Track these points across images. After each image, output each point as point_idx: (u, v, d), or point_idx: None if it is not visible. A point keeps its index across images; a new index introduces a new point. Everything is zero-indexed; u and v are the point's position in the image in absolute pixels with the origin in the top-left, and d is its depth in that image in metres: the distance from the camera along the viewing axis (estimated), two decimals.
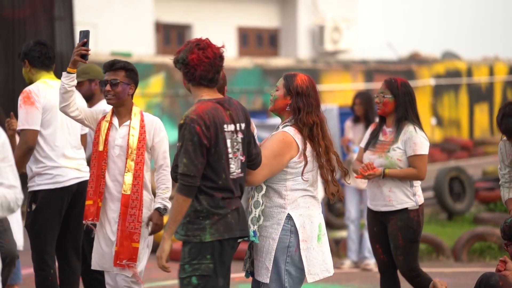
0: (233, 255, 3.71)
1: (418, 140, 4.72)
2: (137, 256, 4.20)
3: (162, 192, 4.29)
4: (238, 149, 3.62)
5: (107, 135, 4.29)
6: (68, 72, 4.28)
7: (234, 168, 3.61)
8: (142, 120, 4.29)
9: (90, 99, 5.43)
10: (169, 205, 4.22)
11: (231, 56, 18.72)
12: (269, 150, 3.86)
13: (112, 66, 4.29)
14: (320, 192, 7.79)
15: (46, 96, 4.80)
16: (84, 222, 4.35)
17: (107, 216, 4.30)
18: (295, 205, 3.89)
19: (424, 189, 11.48)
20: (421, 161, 4.69)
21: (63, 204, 4.88)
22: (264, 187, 3.91)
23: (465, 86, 20.34)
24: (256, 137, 3.98)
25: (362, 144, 4.95)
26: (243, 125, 3.65)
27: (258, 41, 20.54)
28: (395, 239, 4.68)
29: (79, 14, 14.16)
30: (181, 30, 19.27)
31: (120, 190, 4.26)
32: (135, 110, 4.33)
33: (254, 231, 3.85)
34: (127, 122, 4.30)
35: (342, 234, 9.03)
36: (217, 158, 3.55)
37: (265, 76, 16.97)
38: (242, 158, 3.64)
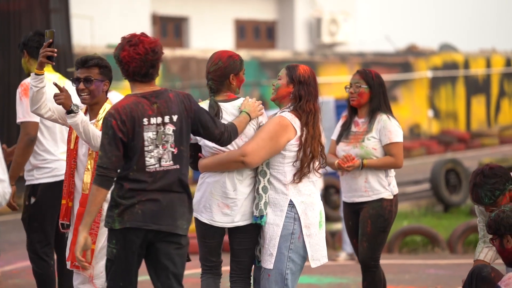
0: (165, 250, 3.63)
1: (393, 128, 4.70)
2: (93, 257, 4.08)
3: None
4: (167, 141, 3.63)
5: None
6: (36, 74, 4.20)
7: (154, 161, 3.61)
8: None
9: None
10: (80, 118, 4.05)
11: (228, 48, 18.66)
12: (265, 132, 3.96)
13: (85, 63, 4.17)
14: (319, 183, 7.80)
15: (45, 90, 4.77)
16: (60, 221, 4.30)
17: (73, 215, 4.25)
18: (297, 191, 3.98)
19: (420, 181, 11.63)
20: (397, 149, 4.69)
21: (61, 197, 4.87)
22: (268, 172, 4.00)
23: (462, 78, 20.33)
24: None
25: (334, 137, 4.90)
26: (175, 117, 3.64)
27: (255, 33, 20.51)
28: (364, 226, 4.68)
29: (74, 7, 14.11)
30: (178, 22, 19.23)
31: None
32: (106, 107, 4.22)
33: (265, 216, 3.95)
34: (94, 120, 4.23)
35: (337, 226, 9.05)
36: (134, 151, 3.61)
37: (262, 69, 16.96)
38: (173, 150, 3.64)
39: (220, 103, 4.03)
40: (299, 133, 3.98)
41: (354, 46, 20.21)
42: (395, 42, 20.42)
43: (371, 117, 4.73)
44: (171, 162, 3.64)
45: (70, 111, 4.06)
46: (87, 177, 4.17)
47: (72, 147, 4.25)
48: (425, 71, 19.53)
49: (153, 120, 3.62)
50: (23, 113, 4.73)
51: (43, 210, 4.81)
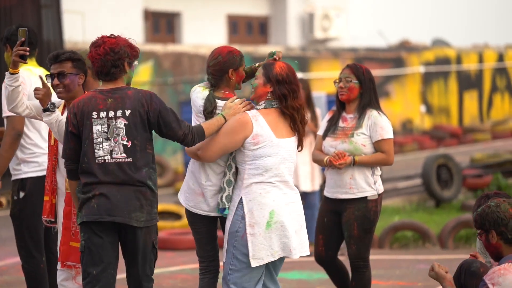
0: (127, 240, 3.83)
1: (384, 124, 4.62)
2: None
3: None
4: (118, 134, 3.80)
5: None
6: (11, 73, 4.19)
7: (103, 152, 3.78)
8: None
9: (83, 87, 5.38)
10: (56, 116, 4.11)
11: (221, 44, 18.63)
12: (224, 127, 3.99)
13: (57, 58, 4.16)
14: (317, 179, 7.75)
15: (32, 84, 4.73)
16: (43, 218, 4.29)
17: (58, 212, 4.26)
18: (249, 190, 3.97)
19: (411, 177, 11.63)
20: (389, 145, 4.62)
21: None
22: (234, 166, 4.03)
23: (454, 73, 20.35)
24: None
25: (320, 132, 4.77)
26: (128, 112, 3.80)
27: (247, 29, 20.47)
28: (350, 228, 4.59)
29: (66, 2, 14.05)
30: (170, 18, 19.18)
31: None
32: None
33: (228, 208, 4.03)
34: None
35: None
36: (84, 143, 3.83)
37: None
38: (127, 143, 3.80)
39: (216, 99, 4.06)
40: (256, 129, 3.94)
41: (347, 42, 20.21)
42: (387, 38, 20.43)
43: (360, 113, 4.65)
44: (123, 154, 3.80)
45: (46, 109, 4.09)
46: None
47: (52, 143, 4.23)
48: (418, 66, 19.54)
49: (102, 114, 3.80)
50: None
51: (33, 205, 4.76)
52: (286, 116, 4.02)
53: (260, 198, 3.95)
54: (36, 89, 4.10)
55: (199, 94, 4.09)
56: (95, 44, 3.85)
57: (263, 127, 3.97)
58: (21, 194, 4.79)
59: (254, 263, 3.93)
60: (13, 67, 4.16)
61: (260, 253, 3.93)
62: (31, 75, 4.82)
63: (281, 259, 4.10)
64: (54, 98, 4.42)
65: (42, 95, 4.09)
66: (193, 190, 4.09)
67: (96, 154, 3.78)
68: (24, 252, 4.82)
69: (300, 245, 4.05)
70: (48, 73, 4.97)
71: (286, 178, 4.02)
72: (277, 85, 4.01)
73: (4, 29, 12.27)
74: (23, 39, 4.10)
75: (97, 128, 3.79)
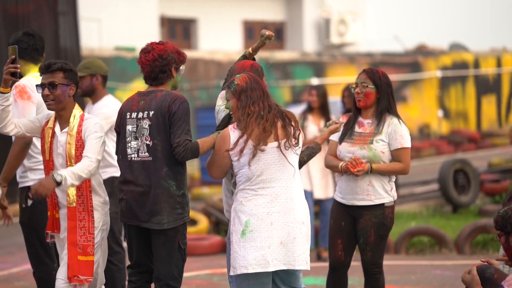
0: (153, 241, 4.03)
1: (404, 132, 4.54)
2: (94, 268, 4.13)
3: (72, 167, 4.00)
4: (143, 134, 3.99)
5: (51, 143, 4.13)
6: (1, 92, 4.08)
7: (131, 151, 4.00)
8: (80, 125, 4.10)
9: (92, 94, 5.40)
10: (69, 178, 3.92)
11: (236, 50, 18.67)
12: (214, 147, 4.05)
13: (49, 68, 4.09)
14: (331, 186, 7.72)
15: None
16: (46, 231, 4.30)
17: (61, 226, 4.24)
18: (235, 198, 4.01)
19: (428, 182, 11.55)
20: (407, 155, 4.54)
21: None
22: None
23: (472, 77, 20.23)
24: None
25: (335, 138, 4.64)
26: (151, 113, 3.99)
27: None
28: (367, 235, 4.52)
29: (83, 9, 14.16)
30: (186, 24, 19.25)
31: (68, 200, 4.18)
32: (75, 113, 4.15)
33: None
34: (66, 129, 4.14)
35: None
36: (120, 142, 4.08)
37: (271, 70, 16.93)
38: (149, 142, 3.99)
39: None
40: (232, 140, 3.92)
41: (363, 46, 20.17)
42: (404, 42, 20.36)
43: (379, 119, 4.56)
44: (147, 153, 3.98)
45: (58, 184, 3.95)
46: (72, 190, 4.11)
47: (47, 158, 4.18)
48: (435, 70, 19.45)
49: (133, 115, 4.01)
50: (19, 115, 4.68)
51: (41, 212, 4.72)
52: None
53: (240, 206, 3.93)
54: (33, 193, 3.95)
55: (223, 113, 4.19)
56: (145, 51, 4.02)
57: (241, 138, 3.93)
58: (29, 202, 4.76)
59: (230, 271, 3.91)
60: (4, 85, 4.09)
61: (235, 262, 3.87)
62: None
63: (285, 271, 4.02)
64: (45, 109, 4.37)
65: (45, 191, 3.92)
66: (225, 201, 4.25)
67: (127, 151, 4.01)
68: (35, 259, 4.80)
69: (284, 256, 3.89)
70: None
71: (276, 184, 3.91)
72: (239, 98, 3.97)
73: None
74: (13, 56, 4.05)
75: (128, 127, 4.03)
